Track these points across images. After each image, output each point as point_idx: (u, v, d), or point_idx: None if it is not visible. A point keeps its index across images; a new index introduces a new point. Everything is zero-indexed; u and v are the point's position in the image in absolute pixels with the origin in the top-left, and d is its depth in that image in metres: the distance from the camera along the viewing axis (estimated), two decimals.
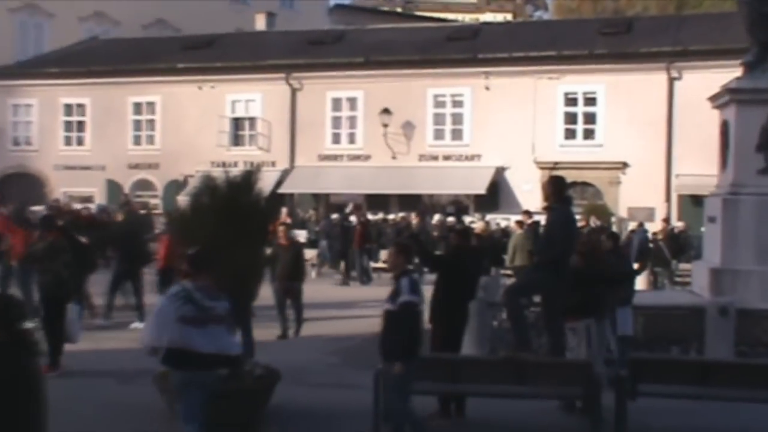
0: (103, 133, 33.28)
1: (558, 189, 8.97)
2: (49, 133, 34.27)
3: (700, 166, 22.53)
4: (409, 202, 28.94)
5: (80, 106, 34.16)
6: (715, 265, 11.71)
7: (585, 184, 28.37)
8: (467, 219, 25.15)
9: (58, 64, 34.29)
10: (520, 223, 19.40)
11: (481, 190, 28.33)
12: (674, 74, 27.61)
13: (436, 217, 25.89)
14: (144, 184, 33.24)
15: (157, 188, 32.98)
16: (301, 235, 23.08)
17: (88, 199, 31.37)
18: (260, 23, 39.02)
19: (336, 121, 31.39)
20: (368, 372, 7.72)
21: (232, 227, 8.12)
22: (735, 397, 7.81)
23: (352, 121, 31.21)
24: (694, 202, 24.40)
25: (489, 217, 25.35)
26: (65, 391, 8.65)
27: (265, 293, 10.61)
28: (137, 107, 33.49)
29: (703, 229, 14.10)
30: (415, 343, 6.90)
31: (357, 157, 30.80)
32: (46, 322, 10.05)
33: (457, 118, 29.99)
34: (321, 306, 15.57)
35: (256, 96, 32.00)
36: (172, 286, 7.08)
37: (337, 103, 31.34)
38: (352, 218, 23.52)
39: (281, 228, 13.49)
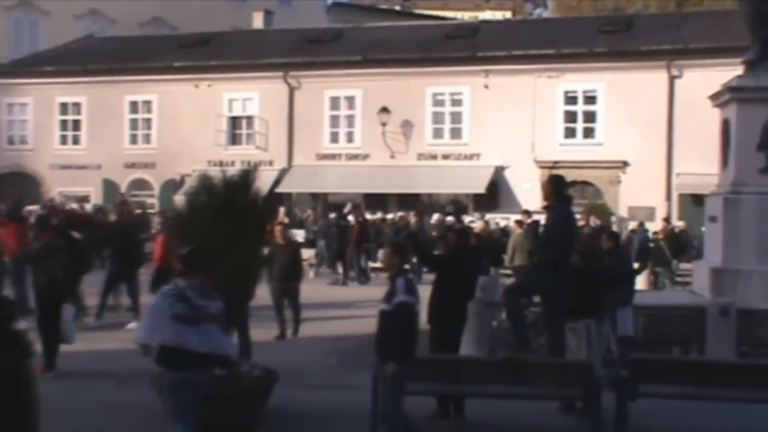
0: (99, 132, 33.13)
1: (558, 188, 8.94)
2: (44, 132, 34.15)
3: (701, 165, 22.45)
4: (407, 201, 28.86)
5: (76, 104, 34.03)
6: (716, 264, 11.67)
7: (585, 183, 28.29)
8: (466, 218, 25.04)
9: (54, 63, 34.19)
10: (519, 222, 19.36)
11: (481, 189, 28.25)
12: (675, 72, 27.53)
13: (435, 217, 25.84)
14: (140, 184, 33.13)
15: (153, 188, 32.88)
16: (299, 235, 23.03)
17: (84, 199, 31.33)
18: (258, 21, 38.92)
19: (334, 120, 31.29)
20: (366, 373, 7.68)
21: (230, 227, 8.08)
22: (736, 398, 7.79)
23: (351, 119, 31.13)
24: (694, 201, 24.32)
25: (488, 216, 25.30)
26: (61, 392, 8.64)
27: (263, 293, 10.55)
28: (133, 106, 33.36)
29: (703, 228, 14.09)
30: (411, 343, 6.85)
31: (355, 157, 30.71)
32: (42, 323, 9.98)
33: (456, 117, 29.89)
34: (319, 306, 15.54)
35: (253, 94, 31.90)
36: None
37: (335, 102, 31.24)
38: (350, 218, 23.45)
39: (278, 228, 13.47)
